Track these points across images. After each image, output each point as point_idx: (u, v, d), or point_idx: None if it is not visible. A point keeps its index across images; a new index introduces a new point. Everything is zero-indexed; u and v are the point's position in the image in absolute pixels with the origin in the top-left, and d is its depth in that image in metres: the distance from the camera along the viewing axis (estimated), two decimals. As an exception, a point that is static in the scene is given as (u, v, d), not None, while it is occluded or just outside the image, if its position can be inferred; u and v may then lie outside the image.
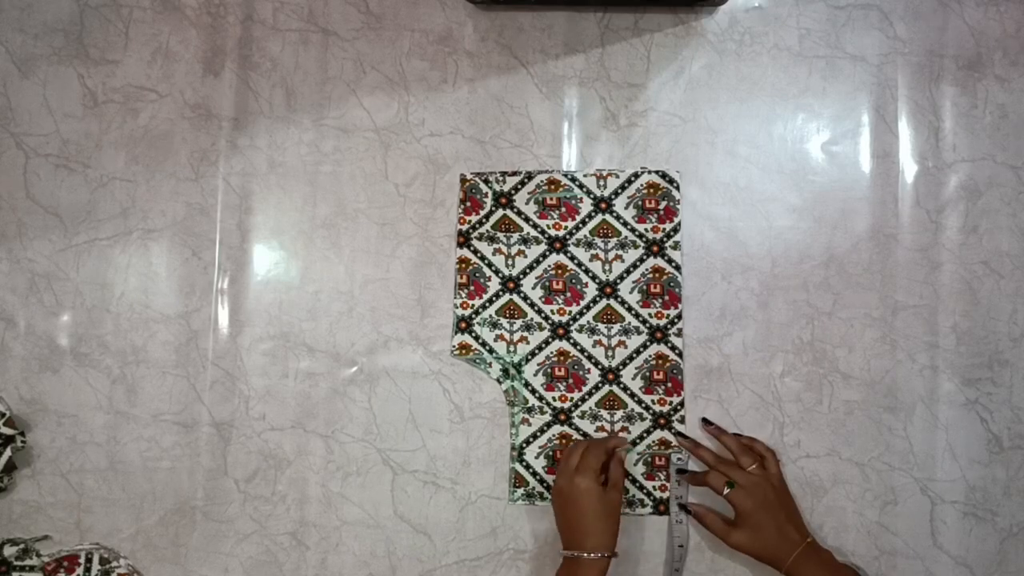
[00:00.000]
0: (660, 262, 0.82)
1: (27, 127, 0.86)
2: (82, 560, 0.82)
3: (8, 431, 0.82)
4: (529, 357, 0.82)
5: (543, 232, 0.83)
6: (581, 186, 0.83)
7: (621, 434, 0.81)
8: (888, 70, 0.83)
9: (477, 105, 0.85)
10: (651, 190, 0.83)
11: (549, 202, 0.83)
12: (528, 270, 0.83)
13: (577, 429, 0.81)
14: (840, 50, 0.83)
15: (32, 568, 0.81)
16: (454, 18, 0.85)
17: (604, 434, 0.81)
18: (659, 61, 0.84)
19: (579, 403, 0.82)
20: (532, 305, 0.83)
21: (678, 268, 0.82)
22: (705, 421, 0.81)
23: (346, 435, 0.82)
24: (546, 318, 0.83)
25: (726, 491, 0.74)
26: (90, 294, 0.85)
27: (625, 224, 0.83)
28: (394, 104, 0.85)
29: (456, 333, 0.83)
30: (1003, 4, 0.83)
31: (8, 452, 0.81)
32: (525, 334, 0.83)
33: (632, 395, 0.81)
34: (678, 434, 0.81)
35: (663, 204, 0.83)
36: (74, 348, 0.84)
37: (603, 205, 0.83)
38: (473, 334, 0.83)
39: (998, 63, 0.82)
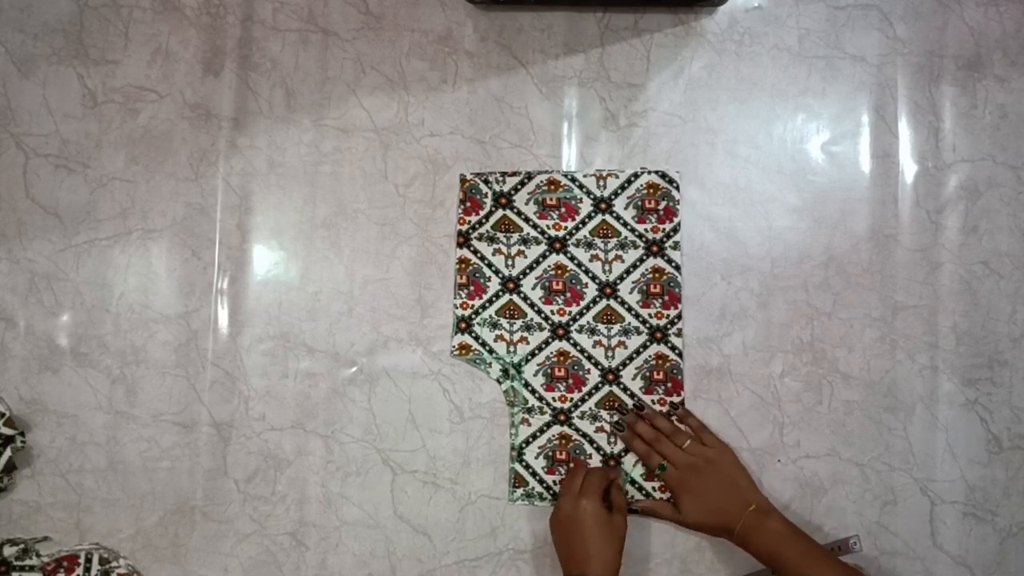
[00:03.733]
0: (660, 262, 0.82)
1: (27, 127, 0.86)
2: (82, 560, 0.82)
3: (8, 431, 0.82)
4: (529, 357, 0.82)
5: (543, 232, 0.83)
6: (581, 186, 0.83)
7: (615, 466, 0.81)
8: (888, 70, 0.83)
9: (477, 105, 0.85)
10: (651, 190, 0.83)
11: (549, 202, 0.83)
12: (528, 270, 0.83)
13: (577, 429, 0.81)
14: (840, 50, 0.83)
15: (32, 568, 0.81)
16: (454, 18, 0.85)
17: (603, 435, 0.81)
18: (659, 61, 0.84)
19: (579, 403, 0.82)
20: (532, 305, 0.83)
21: (678, 268, 0.82)
22: (636, 408, 0.81)
23: (346, 435, 0.82)
24: (546, 318, 0.83)
25: (658, 472, 0.77)
26: (90, 294, 0.85)
27: (625, 224, 0.83)
28: (394, 104, 0.85)
29: (456, 333, 0.83)
30: (1003, 4, 0.83)
31: (8, 452, 0.81)
32: (525, 334, 0.83)
33: (632, 396, 0.81)
34: (619, 412, 0.81)
35: (663, 204, 0.82)
36: (74, 348, 0.84)
37: (603, 205, 0.83)
38: (473, 334, 0.83)
39: (998, 63, 0.82)
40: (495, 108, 0.85)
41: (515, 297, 0.83)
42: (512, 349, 0.82)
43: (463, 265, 0.83)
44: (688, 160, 0.83)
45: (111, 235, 0.85)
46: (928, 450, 0.79)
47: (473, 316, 0.83)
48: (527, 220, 0.83)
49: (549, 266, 0.83)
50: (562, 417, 0.82)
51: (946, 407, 0.80)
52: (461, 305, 0.83)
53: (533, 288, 0.83)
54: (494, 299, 0.83)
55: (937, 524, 0.79)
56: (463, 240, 0.84)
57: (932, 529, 0.79)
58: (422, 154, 0.85)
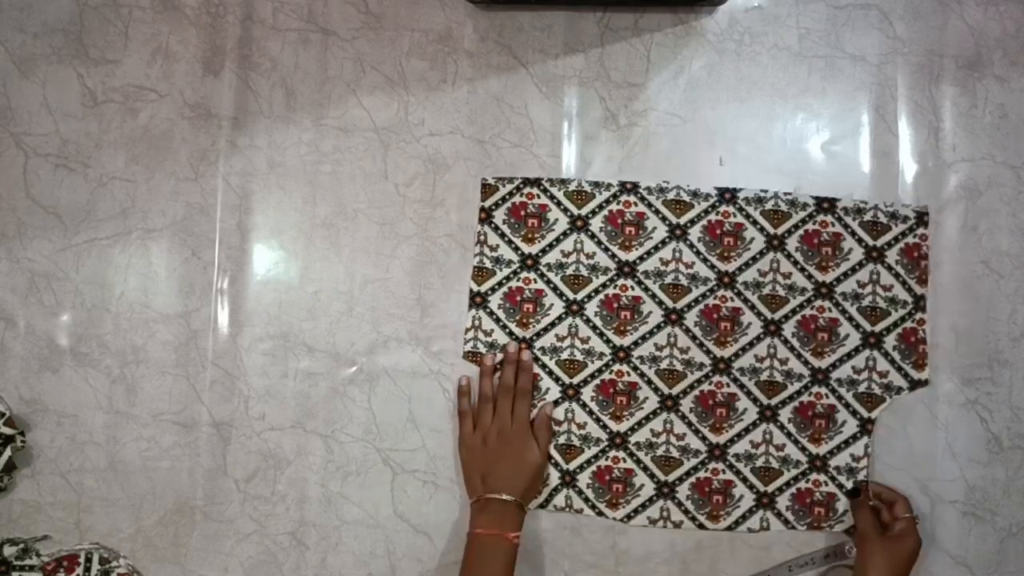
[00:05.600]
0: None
1: (27, 127, 0.86)
2: (82, 560, 0.82)
3: (8, 431, 0.82)
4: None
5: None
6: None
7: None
8: (888, 70, 0.83)
9: (477, 105, 0.85)
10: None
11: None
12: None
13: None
14: (840, 50, 0.83)
15: (32, 568, 0.81)
16: (454, 18, 0.85)
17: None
18: (659, 61, 0.84)
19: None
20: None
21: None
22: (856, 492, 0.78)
23: (346, 435, 0.83)
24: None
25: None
26: (90, 294, 0.85)
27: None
28: (394, 104, 0.85)
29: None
30: (1003, 4, 0.83)
31: (8, 452, 0.81)
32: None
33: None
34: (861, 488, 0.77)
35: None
36: (74, 348, 0.84)
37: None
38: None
39: (998, 63, 0.82)
40: (495, 108, 0.85)
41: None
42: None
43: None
44: (688, 160, 0.83)
45: (111, 235, 0.85)
46: (928, 450, 0.79)
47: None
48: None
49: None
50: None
51: (946, 407, 0.80)
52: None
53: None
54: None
55: (937, 524, 0.79)
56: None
57: (932, 529, 0.79)
58: (422, 154, 0.85)
